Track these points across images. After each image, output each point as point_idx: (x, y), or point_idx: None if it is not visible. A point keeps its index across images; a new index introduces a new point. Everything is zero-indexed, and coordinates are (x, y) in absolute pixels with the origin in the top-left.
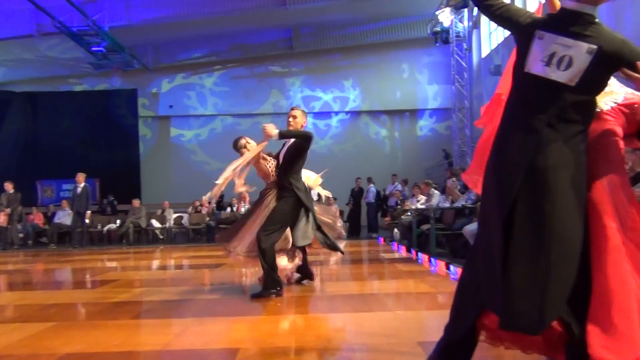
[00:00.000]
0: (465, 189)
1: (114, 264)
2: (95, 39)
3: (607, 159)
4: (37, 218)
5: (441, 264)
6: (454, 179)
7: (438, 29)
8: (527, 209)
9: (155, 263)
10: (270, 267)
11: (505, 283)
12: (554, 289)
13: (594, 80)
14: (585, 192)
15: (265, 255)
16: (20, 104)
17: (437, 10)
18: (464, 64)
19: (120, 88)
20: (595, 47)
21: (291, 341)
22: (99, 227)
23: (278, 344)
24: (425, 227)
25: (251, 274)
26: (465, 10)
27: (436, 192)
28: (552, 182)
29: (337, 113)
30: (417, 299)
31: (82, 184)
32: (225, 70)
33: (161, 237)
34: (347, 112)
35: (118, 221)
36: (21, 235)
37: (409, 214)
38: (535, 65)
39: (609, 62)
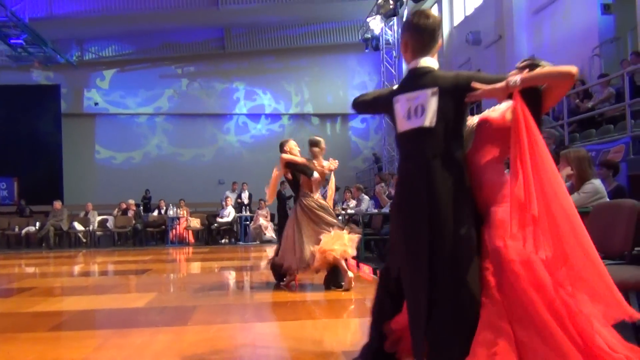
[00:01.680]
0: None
1: (32, 269)
2: (14, 30)
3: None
4: None
5: (369, 269)
6: (383, 184)
7: (369, 35)
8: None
9: (77, 269)
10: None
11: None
12: None
13: (448, 115)
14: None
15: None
16: None
17: (367, 17)
18: (393, 71)
19: (42, 83)
20: (435, 88)
21: (216, 351)
22: (17, 229)
23: (203, 356)
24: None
25: (177, 280)
26: (395, 18)
27: (366, 197)
28: (445, 214)
29: (267, 115)
30: (344, 306)
31: None
32: (153, 67)
33: (84, 240)
34: (277, 115)
35: (37, 223)
36: None
37: (339, 218)
38: (401, 125)
39: (452, 95)
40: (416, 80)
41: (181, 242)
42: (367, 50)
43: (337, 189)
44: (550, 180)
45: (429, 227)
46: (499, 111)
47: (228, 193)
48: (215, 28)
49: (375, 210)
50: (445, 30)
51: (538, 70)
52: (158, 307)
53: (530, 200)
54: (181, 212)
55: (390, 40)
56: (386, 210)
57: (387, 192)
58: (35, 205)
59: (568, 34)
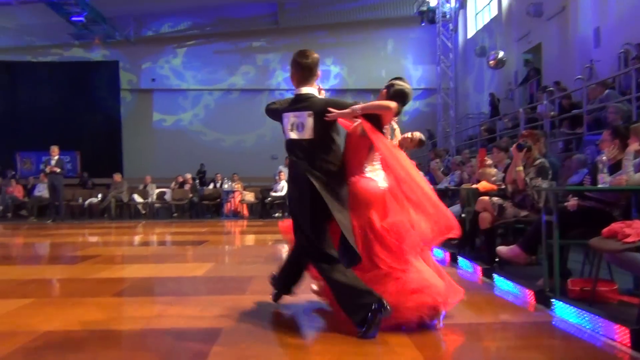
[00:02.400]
0: (448, 170)
1: (95, 239)
2: (75, 8)
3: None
4: (16, 190)
5: None
6: (438, 160)
7: (424, 8)
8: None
9: (137, 239)
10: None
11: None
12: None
13: (320, 130)
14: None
15: None
16: None
17: None
18: (449, 44)
19: (101, 60)
20: (311, 111)
21: (272, 322)
22: (80, 200)
23: (259, 325)
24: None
25: (233, 252)
26: None
27: (420, 173)
28: (320, 189)
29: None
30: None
31: (57, 157)
32: (208, 44)
33: (143, 212)
34: (331, 90)
35: (99, 195)
36: (0, 207)
37: None
38: (288, 135)
39: (321, 116)
40: (299, 103)
41: (236, 215)
42: (422, 24)
43: None
44: (399, 164)
45: (310, 201)
46: (353, 126)
47: (281, 167)
48: (269, 3)
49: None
50: (505, 1)
51: (370, 103)
52: (216, 276)
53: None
54: (235, 186)
55: (447, 13)
56: (441, 186)
57: (442, 168)
58: (97, 178)
59: (637, 4)
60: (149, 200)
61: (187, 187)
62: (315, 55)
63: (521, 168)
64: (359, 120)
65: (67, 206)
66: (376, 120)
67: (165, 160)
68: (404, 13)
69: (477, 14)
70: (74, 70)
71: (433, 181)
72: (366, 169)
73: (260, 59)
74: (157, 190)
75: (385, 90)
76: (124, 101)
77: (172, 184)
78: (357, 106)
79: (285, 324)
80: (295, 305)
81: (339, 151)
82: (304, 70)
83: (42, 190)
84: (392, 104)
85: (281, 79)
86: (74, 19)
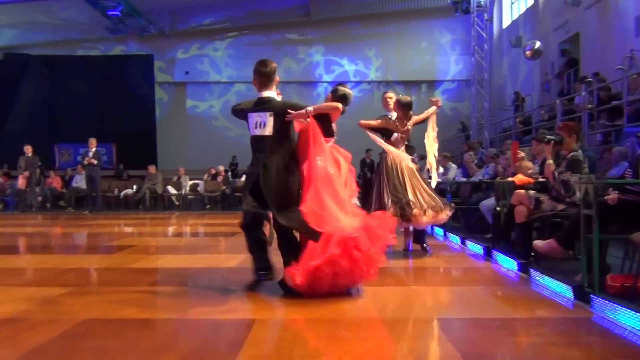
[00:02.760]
0: (482, 163)
1: (130, 229)
2: (111, 2)
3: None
4: (54, 182)
5: (456, 239)
6: (471, 152)
7: None
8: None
9: (172, 229)
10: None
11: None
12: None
13: (278, 128)
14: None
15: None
16: (37, 67)
17: None
18: (484, 34)
19: (136, 53)
20: (271, 112)
21: (306, 313)
22: (116, 192)
23: (293, 316)
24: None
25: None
26: None
27: (453, 165)
28: (272, 177)
29: (353, 83)
30: (433, 274)
31: (94, 149)
32: (241, 36)
33: (177, 203)
34: (363, 82)
35: (134, 186)
36: (39, 198)
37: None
38: (253, 132)
39: (281, 116)
40: (261, 104)
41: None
42: (457, 14)
43: (421, 157)
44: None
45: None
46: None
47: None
48: None
49: (464, 179)
50: None
51: (321, 104)
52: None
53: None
54: None
55: (482, 3)
56: (475, 179)
57: (475, 161)
58: (132, 170)
59: None
60: (183, 191)
61: (219, 179)
62: (274, 64)
63: (551, 161)
64: (309, 120)
65: (104, 197)
66: (326, 118)
67: (198, 152)
68: (437, 3)
69: (512, 3)
70: (110, 63)
71: (466, 174)
72: (317, 158)
73: (293, 51)
74: (190, 182)
75: (330, 95)
76: (158, 94)
77: (205, 176)
78: (310, 107)
79: (319, 316)
80: (330, 297)
81: (292, 145)
82: (263, 77)
83: (79, 182)
84: (339, 105)
85: (315, 71)
86: (110, 13)
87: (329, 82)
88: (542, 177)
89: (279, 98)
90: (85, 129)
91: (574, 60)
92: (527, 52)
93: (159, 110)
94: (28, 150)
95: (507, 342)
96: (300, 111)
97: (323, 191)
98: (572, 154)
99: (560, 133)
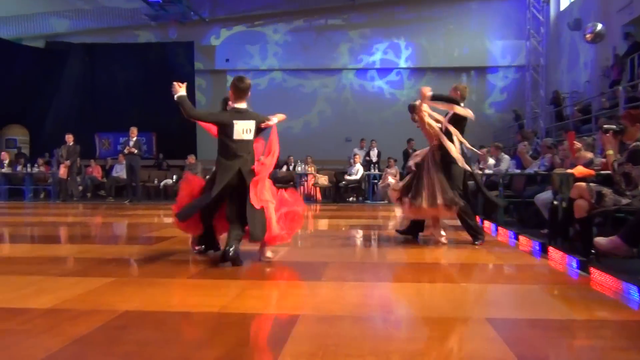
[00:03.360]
0: (537, 154)
1: (170, 220)
2: None
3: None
4: (95, 171)
5: (509, 234)
6: (525, 142)
7: None
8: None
9: None
10: (472, 220)
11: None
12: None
13: (255, 134)
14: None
15: (465, 211)
16: (79, 55)
17: None
18: (540, 17)
19: (177, 40)
20: (254, 121)
21: (351, 310)
22: (156, 181)
23: (337, 312)
24: (493, 193)
25: (306, 237)
26: None
27: (506, 156)
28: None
29: (398, 70)
30: (483, 271)
31: (135, 138)
32: (282, 22)
33: None
34: (409, 69)
35: (174, 176)
36: (80, 187)
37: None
38: (237, 136)
39: (258, 124)
40: (241, 114)
41: (309, 198)
42: None
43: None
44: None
45: (236, 184)
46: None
47: (356, 150)
48: None
49: (517, 171)
50: None
51: (281, 116)
52: (291, 261)
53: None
54: (309, 169)
55: None
56: (530, 170)
57: (530, 152)
58: (172, 159)
59: None
60: None
61: None
62: (249, 81)
63: (611, 152)
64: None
65: (143, 187)
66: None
67: None
68: None
69: None
70: (150, 51)
71: (520, 165)
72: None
73: (336, 37)
74: None
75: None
76: (199, 82)
77: None
78: (274, 118)
79: (366, 313)
80: (378, 294)
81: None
82: (241, 91)
83: (119, 171)
84: (283, 116)
85: (359, 57)
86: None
87: (377, 69)
88: (604, 169)
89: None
90: (126, 118)
91: (638, 44)
92: (588, 36)
93: (199, 98)
94: (69, 139)
95: (566, 345)
96: (273, 119)
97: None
98: (634, 144)
99: (623, 122)
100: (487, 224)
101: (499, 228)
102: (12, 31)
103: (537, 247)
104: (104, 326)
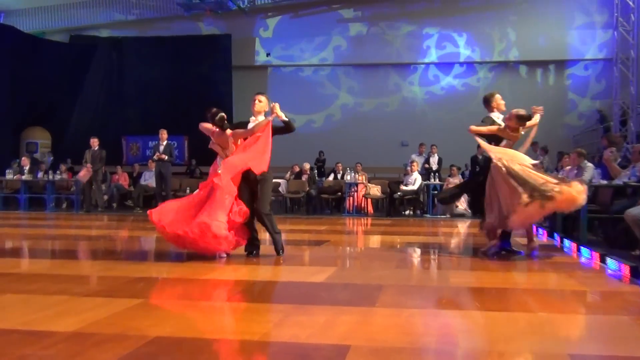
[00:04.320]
0: (627, 162)
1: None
2: None
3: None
4: (121, 178)
5: (594, 255)
6: (613, 149)
7: None
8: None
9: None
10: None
11: None
12: None
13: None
14: None
15: None
16: (105, 50)
17: None
18: (631, 3)
19: (212, 33)
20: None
21: (409, 341)
22: (188, 190)
23: (394, 344)
24: None
25: (357, 255)
26: None
27: (590, 164)
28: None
29: (462, 64)
30: (563, 299)
31: (165, 142)
32: (330, 12)
33: None
34: (475, 64)
35: None
36: (105, 197)
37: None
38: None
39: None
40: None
41: (359, 211)
42: None
43: (545, 151)
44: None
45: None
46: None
47: (414, 157)
48: None
49: (603, 182)
50: None
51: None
52: (340, 283)
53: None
54: (359, 178)
55: None
56: (619, 181)
57: (618, 159)
58: (205, 166)
59: None
60: None
61: (304, 177)
62: (266, 99)
63: None
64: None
65: (174, 196)
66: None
67: (280, 146)
68: None
69: None
70: (182, 45)
71: (607, 175)
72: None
73: (390, 28)
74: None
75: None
76: (237, 80)
77: (287, 174)
78: (258, 126)
79: (426, 344)
80: (434, 321)
81: None
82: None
83: (148, 179)
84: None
85: (417, 50)
86: None
87: (435, 64)
88: None
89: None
90: (156, 120)
91: None
92: None
93: (236, 97)
94: (94, 143)
95: None
96: (260, 123)
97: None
98: None
99: None
100: (567, 243)
101: (582, 248)
102: (35, 24)
103: (627, 272)
104: (132, 354)
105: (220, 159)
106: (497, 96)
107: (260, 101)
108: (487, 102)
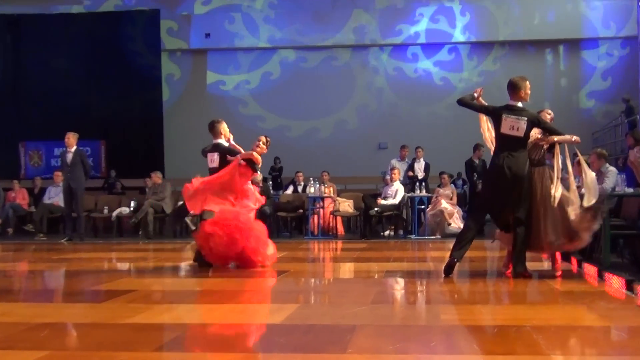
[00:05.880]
0: None
1: (127, 266)
2: None
3: None
4: (19, 196)
5: (618, 282)
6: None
7: None
8: None
9: (187, 266)
10: None
11: None
12: None
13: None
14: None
15: None
16: None
17: None
18: None
19: (135, 8)
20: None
21: None
22: (106, 211)
23: None
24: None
25: (324, 289)
26: None
27: (611, 168)
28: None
29: (452, 46)
30: (583, 336)
31: (74, 148)
32: None
33: (193, 227)
34: (469, 44)
35: (132, 203)
36: None
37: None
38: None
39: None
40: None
41: (326, 233)
42: None
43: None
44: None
45: None
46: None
47: (394, 162)
48: None
49: (629, 190)
50: None
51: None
52: (303, 324)
53: None
54: (326, 191)
55: None
56: None
57: None
58: (129, 179)
59: None
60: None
61: (255, 191)
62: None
63: None
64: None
65: (88, 218)
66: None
67: None
68: None
69: None
70: (98, 24)
71: (633, 181)
72: None
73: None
74: None
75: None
76: (167, 67)
77: None
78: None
79: None
80: None
81: None
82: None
83: (54, 196)
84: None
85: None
86: None
87: (422, 45)
88: None
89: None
90: (64, 120)
91: None
92: None
93: (167, 90)
94: None
95: None
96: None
97: None
98: None
99: None
100: (586, 267)
101: (604, 273)
102: None
103: None
104: None
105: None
106: (528, 83)
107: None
108: (517, 88)
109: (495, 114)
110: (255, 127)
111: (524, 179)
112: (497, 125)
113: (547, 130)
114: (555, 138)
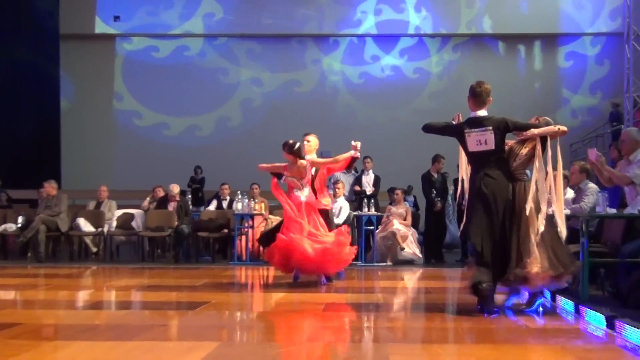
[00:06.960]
0: None
1: (12, 294)
2: None
3: None
4: None
5: (598, 318)
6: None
7: None
8: None
9: (85, 296)
10: None
11: None
12: None
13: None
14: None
15: None
16: None
17: None
18: None
19: None
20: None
21: None
22: None
23: None
24: (571, 247)
25: (250, 324)
26: None
27: (592, 185)
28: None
29: (413, 39)
30: None
31: None
32: None
33: (94, 249)
34: (432, 37)
35: (20, 219)
36: None
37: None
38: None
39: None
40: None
41: (255, 258)
42: None
43: None
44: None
45: None
46: None
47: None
48: None
49: (612, 210)
50: None
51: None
52: None
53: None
54: (255, 207)
55: None
56: (633, 210)
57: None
58: (16, 190)
59: None
60: (105, 228)
61: (171, 206)
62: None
63: None
64: None
65: None
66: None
67: (134, 161)
68: None
69: None
70: None
71: (615, 199)
72: None
73: None
74: (120, 212)
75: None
76: (65, 57)
77: (146, 201)
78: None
79: None
80: None
81: None
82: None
83: None
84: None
85: (342, 19)
86: None
87: (374, 37)
88: None
89: None
90: None
91: None
92: None
93: (65, 86)
94: None
95: None
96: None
97: None
98: None
99: None
100: (562, 301)
101: (582, 308)
102: None
103: None
104: None
105: (297, 191)
106: (487, 86)
107: (308, 141)
108: (486, 95)
109: (457, 132)
110: (176, 128)
111: (508, 200)
112: (463, 144)
113: (521, 128)
114: (536, 131)
